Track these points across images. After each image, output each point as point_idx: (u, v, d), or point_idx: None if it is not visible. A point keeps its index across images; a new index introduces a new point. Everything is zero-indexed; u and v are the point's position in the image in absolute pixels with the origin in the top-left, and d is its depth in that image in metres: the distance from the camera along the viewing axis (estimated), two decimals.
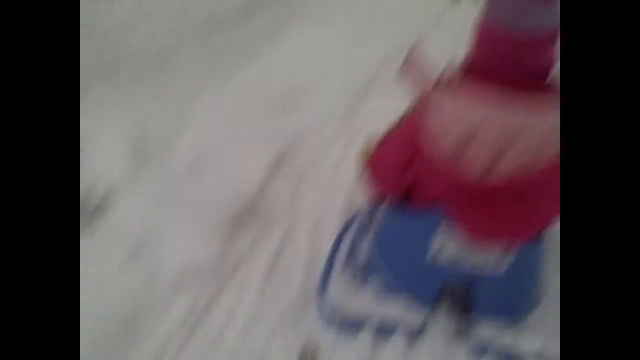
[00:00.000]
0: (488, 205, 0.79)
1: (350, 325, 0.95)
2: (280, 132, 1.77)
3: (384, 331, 0.94)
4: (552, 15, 0.71)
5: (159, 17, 2.14)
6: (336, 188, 1.26)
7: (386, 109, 0.95)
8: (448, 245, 0.87)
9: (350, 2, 2.49)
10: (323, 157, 1.45)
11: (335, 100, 1.98)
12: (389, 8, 2.37)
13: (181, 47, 2.02)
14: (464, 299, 0.92)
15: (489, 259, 0.86)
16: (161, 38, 2.04)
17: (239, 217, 1.22)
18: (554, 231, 0.85)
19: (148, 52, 1.93)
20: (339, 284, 1.00)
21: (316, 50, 2.32)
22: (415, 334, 0.94)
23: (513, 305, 0.94)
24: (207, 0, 2.35)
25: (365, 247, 1.05)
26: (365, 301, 0.98)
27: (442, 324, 0.95)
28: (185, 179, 1.35)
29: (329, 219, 1.16)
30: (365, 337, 0.94)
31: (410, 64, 0.73)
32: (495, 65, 0.75)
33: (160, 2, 2.22)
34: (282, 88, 1.93)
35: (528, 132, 0.70)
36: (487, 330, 0.93)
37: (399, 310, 0.95)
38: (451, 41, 1.08)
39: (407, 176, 0.85)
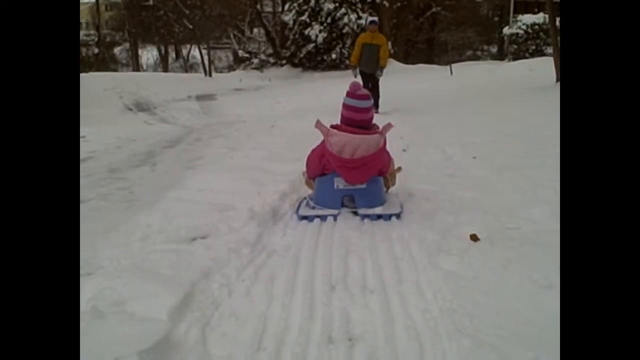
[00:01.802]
0: (352, 169, 3.65)
1: (309, 219, 3.68)
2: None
3: (324, 218, 3.65)
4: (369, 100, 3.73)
5: None
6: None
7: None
8: (340, 183, 3.70)
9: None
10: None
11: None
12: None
13: None
14: (351, 201, 3.75)
15: (357, 186, 3.70)
16: None
17: None
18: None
19: None
20: (303, 209, 3.81)
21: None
22: (336, 216, 3.66)
23: (369, 201, 3.68)
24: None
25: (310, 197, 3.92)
26: (313, 211, 3.73)
27: (345, 211, 3.75)
28: None
29: None
30: (316, 221, 3.65)
31: (318, 124, 3.70)
32: (349, 120, 3.69)
33: None
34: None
35: (364, 142, 3.61)
36: (362, 210, 3.67)
37: (329, 212, 3.70)
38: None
39: (322, 162, 3.75)
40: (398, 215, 3.64)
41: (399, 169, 4.26)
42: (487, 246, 3.10)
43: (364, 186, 3.71)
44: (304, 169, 4.05)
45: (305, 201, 3.92)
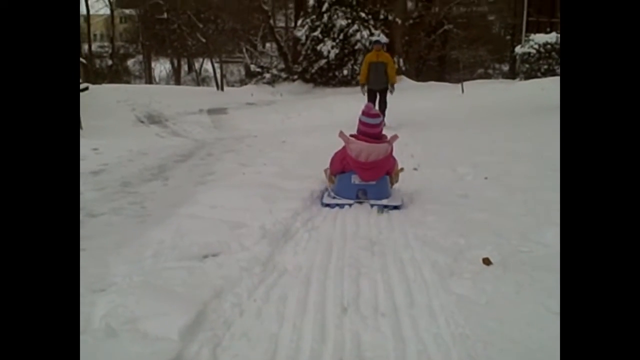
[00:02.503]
0: (366, 170, 4.62)
1: (331, 206, 4.58)
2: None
3: (342, 206, 4.53)
4: (379, 118, 4.82)
5: None
6: None
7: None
8: (356, 180, 4.63)
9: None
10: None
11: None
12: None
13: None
14: (364, 194, 4.61)
15: (369, 183, 4.62)
16: None
17: None
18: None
19: None
20: (325, 198, 4.72)
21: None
22: (351, 205, 4.53)
23: (378, 195, 4.61)
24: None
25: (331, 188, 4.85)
26: (334, 200, 4.65)
27: (358, 202, 4.60)
28: None
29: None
30: (336, 208, 4.55)
31: (341, 134, 4.73)
32: (364, 132, 4.68)
33: None
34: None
35: (376, 150, 4.61)
36: (372, 201, 4.57)
37: (346, 201, 4.58)
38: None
39: (343, 163, 4.71)
40: (399, 207, 4.52)
41: (402, 169, 5.21)
42: (500, 270, 3.08)
43: (374, 183, 4.66)
44: (327, 166, 4.99)
45: (327, 192, 4.84)
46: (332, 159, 4.87)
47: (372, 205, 4.51)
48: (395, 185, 4.97)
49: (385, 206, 4.51)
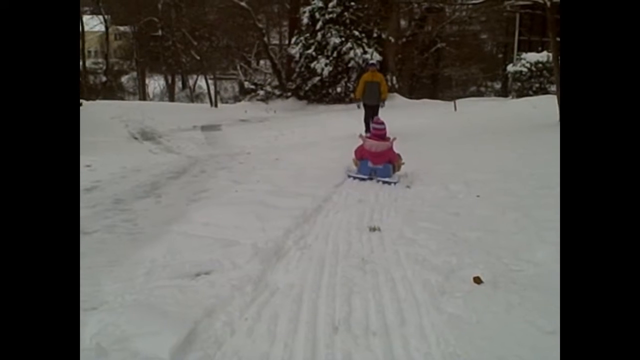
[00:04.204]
0: (376, 157, 6.91)
1: (353, 178, 6.88)
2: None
3: (362, 179, 6.82)
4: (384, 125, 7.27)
5: None
6: None
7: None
8: (370, 163, 6.90)
9: None
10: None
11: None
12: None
13: None
14: (375, 173, 6.86)
15: (378, 166, 6.85)
16: None
17: None
18: None
19: None
20: (349, 172, 7.09)
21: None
22: (367, 179, 6.81)
23: (383, 174, 6.79)
24: None
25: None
26: (357, 174, 6.97)
27: (371, 179, 6.77)
28: None
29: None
30: (357, 180, 6.72)
31: (360, 136, 7.37)
32: (374, 134, 7.15)
33: None
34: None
35: (382, 145, 6.95)
36: (379, 178, 6.77)
37: (363, 176, 6.86)
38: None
39: (361, 153, 7.07)
40: (395, 183, 6.57)
41: (403, 163, 7.12)
42: (491, 289, 3.10)
43: (381, 166, 6.84)
44: (353, 156, 7.20)
45: (349, 173, 7.08)
46: (355, 151, 7.22)
47: (378, 180, 6.70)
48: (398, 173, 7.06)
49: (386, 182, 6.62)
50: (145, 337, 2.47)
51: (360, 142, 7.21)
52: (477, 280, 3.20)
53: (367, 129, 10.87)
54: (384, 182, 6.58)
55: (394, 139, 7.11)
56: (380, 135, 7.09)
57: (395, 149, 7.05)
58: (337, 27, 20.09)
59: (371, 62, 13.14)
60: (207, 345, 2.52)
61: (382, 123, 7.21)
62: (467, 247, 3.85)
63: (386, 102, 11.45)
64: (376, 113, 11.07)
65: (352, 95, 17.42)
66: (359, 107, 11.54)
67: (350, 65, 19.99)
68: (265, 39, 26.06)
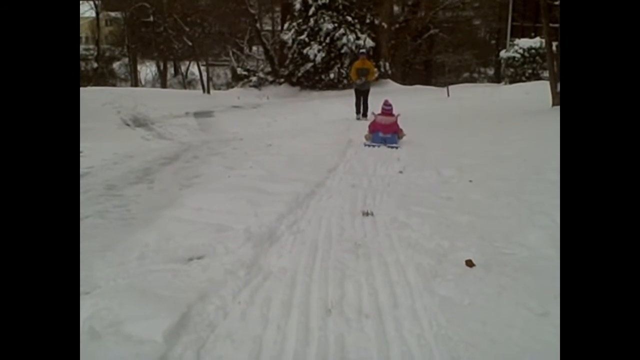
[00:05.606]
0: (385, 127, 8.81)
1: (369, 146, 8.46)
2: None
3: (374, 146, 8.44)
4: (391, 106, 9.20)
5: None
6: None
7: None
8: (381, 133, 8.72)
9: None
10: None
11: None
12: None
13: None
14: (384, 141, 8.55)
15: (387, 135, 8.64)
16: None
17: None
18: None
19: None
20: (365, 142, 8.70)
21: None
22: (379, 146, 8.42)
23: (390, 141, 8.53)
24: None
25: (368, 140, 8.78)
26: (372, 143, 8.59)
27: (382, 145, 8.38)
28: None
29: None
30: (371, 147, 8.30)
31: (372, 114, 9.54)
32: (384, 111, 9.08)
33: None
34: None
35: (390, 119, 8.92)
36: (388, 145, 8.40)
37: (375, 143, 8.52)
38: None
39: (374, 126, 8.96)
40: (398, 147, 8.10)
41: (405, 134, 8.72)
42: (483, 272, 3.11)
43: (389, 135, 8.50)
44: (367, 131, 8.88)
45: (365, 142, 8.57)
46: (369, 125, 9.03)
47: (388, 146, 8.21)
48: (402, 140, 8.66)
49: (392, 146, 8.20)
50: (139, 320, 2.47)
51: (373, 118, 9.27)
52: (469, 263, 3.22)
53: (358, 112, 12.34)
54: (390, 147, 8.24)
55: (399, 114, 9.01)
56: (388, 112, 9.01)
57: (399, 124, 8.87)
58: (329, 12, 20.02)
59: (362, 50, 14.59)
60: (200, 328, 2.52)
61: (390, 104, 9.09)
62: (460, 230, 3.87)
63: (379, 88, 12.78)
64: (366, 98, 12.42)
65: (345, 81, 18.94)
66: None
67: (343, 51, 19.95)
68: (258, 25, 25.93)
